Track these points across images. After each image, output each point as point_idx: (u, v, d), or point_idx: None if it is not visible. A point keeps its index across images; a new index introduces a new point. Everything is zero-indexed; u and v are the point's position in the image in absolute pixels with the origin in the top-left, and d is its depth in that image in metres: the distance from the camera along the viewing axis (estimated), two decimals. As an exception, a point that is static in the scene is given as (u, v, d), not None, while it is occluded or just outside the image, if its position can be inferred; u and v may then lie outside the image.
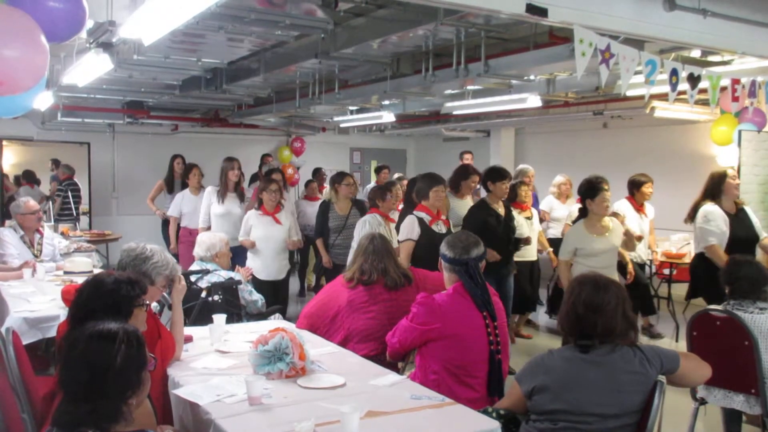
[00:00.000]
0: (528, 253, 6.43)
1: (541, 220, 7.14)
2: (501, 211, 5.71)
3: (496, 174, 5.72)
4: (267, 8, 4.54)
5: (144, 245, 3.25)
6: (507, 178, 5.75)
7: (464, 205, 6.32)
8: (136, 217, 10.12)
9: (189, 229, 7.19)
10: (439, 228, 5.18)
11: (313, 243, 8.48)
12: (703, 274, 5.38)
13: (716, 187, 5.32)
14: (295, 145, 11.99)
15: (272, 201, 6.03)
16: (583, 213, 5.21)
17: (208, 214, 6.70)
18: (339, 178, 6.71)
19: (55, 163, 10.75)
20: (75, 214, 9.75)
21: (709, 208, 5.27)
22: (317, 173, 9.70)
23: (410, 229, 5.13)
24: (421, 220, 5.14)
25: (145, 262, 3.16)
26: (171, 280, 3.26)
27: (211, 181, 7.27)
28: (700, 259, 5.43)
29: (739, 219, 5.35)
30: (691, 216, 5.42)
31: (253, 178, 9.78)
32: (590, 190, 5.07)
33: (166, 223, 8.38)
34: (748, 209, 5.45)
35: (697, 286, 5.57)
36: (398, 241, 5.28)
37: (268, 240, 6.01)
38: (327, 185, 9.19)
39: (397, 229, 5.59)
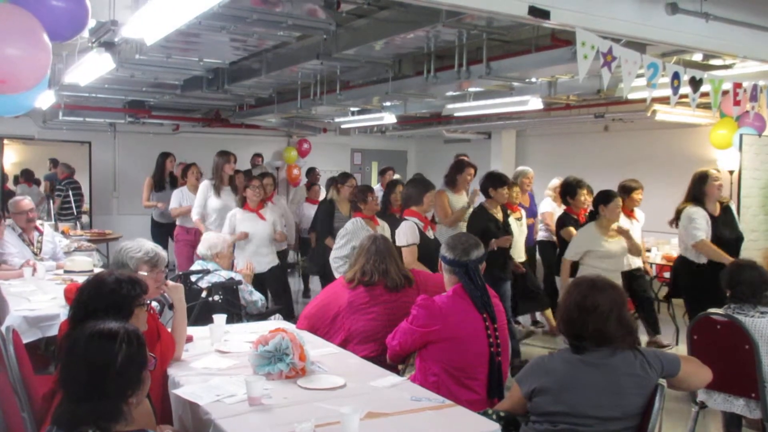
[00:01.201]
0: (516, 254, 6.26)
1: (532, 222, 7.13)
2: (500, 216, 5.73)
3: (497, 180, 5.74)
4: (269, 9, 4.54)
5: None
6: (507, 184, 5.78)
7: (460, 200, 6.29)
8: (137, 216, 10.11)
9: (186, 228, 7.21)
10: (430, 234, 5.18)
11: (310, 245, 8.51)
12: (683, 277, 5.40)
13: (699, 189, 5.32)
14: (303, 146, 11.98)
15: (255, 197, 6.14)
16: (592, 216, 5.51)
17: (203, 206, 6.68)
18: (342, 179, 6.74)
19: (54, 162, 10.74)
20: (76, 212, 9.73)
21: (692, 209, 5.29)
22: (311, 173, 9.69)
23: (412, 233, 5.00)
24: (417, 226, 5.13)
25: (120, 253, 3.24)
26: (153, 264, 3.27)
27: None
28: (682, 262, 5.43)
29: (724, 220, 5.33)
30: (675, 220, 5.44)
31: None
32: (604, 197, 5.42)
33: (156, 224, 8.40)
34: (732, 206, 5.47)
35: (676, 287, 5.58)
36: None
37: (253, 236, 6.10)
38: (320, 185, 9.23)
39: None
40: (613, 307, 2.58)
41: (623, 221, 6.23)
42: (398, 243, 4.93)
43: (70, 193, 9.77)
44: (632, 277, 6.09)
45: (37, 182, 10.90)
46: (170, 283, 3.42)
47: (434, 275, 3.94)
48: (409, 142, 13.46)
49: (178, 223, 7.39)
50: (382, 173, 9.68)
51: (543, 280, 7.28)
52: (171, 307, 3.45)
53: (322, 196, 8.86)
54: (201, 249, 4.76)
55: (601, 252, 5.29)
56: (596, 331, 2.56)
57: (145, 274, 3.20)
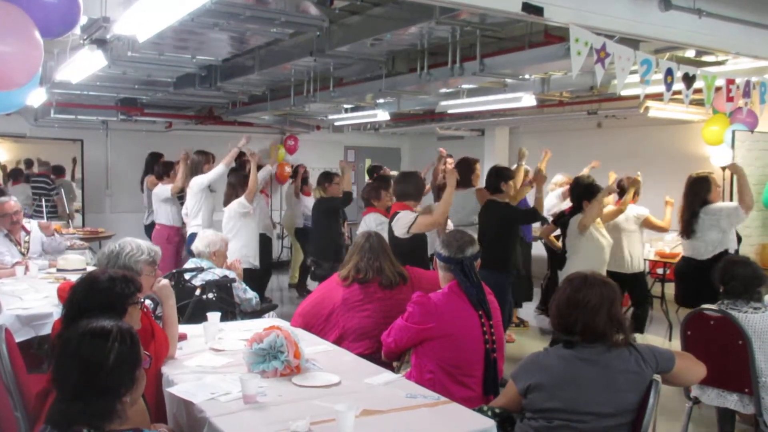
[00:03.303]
0: None
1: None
2: None
3: (505, 174, 5.71)
4: (262, 5, 4.53)
5: (115, 243, 3.25)
6: (513, 177, 5.80)
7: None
8: (130, 214, 10.07)
9: (167, 226, 7.20)
10: None
11: (307, 236, 8.54)
12: (692, 278, 5.33)
13: (706, 194, 5.28)
14: (288, 143, 11.95)
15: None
16: (577, 210, 5.46)
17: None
18: (327, 178, 6.74)
19: (27, 163, 10.57)
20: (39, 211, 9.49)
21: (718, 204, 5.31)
22: (297, 171, 9.67)
23: (406, 217, 4.89)
24: None
25: (119, 257, 3.14)
26: (155, 262, 3.25)
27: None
28: (688, 263, 5.38)
29: None
30: (686, 230, 5.34)
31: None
32: (589, 193, 5.37)
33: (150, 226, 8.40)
34: None
35: (686, 291, 5.46)
36: (407, 228, 4.87)
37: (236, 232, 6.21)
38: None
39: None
40: (603, 302, 2.58)
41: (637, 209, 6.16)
42: (398, 233, 4.86)
43: (30, 191, 9.65)
44: (636, 277, 6.00)
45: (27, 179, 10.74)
46: (164, 280, 3.40)
47: (428, 272, 3.94)
48: (402, 139, 13.45)
49: (157, 221, 7.35)
50: (370, 172, 9.64)
51: (547, 275, 7.36)
52: (164, 305, 3.43)
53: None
54: (198, 246, 4.73)
55: (597, 243, 5.31)
56: (585, 326, 2.57)
57: (151, 274, 3.19)
